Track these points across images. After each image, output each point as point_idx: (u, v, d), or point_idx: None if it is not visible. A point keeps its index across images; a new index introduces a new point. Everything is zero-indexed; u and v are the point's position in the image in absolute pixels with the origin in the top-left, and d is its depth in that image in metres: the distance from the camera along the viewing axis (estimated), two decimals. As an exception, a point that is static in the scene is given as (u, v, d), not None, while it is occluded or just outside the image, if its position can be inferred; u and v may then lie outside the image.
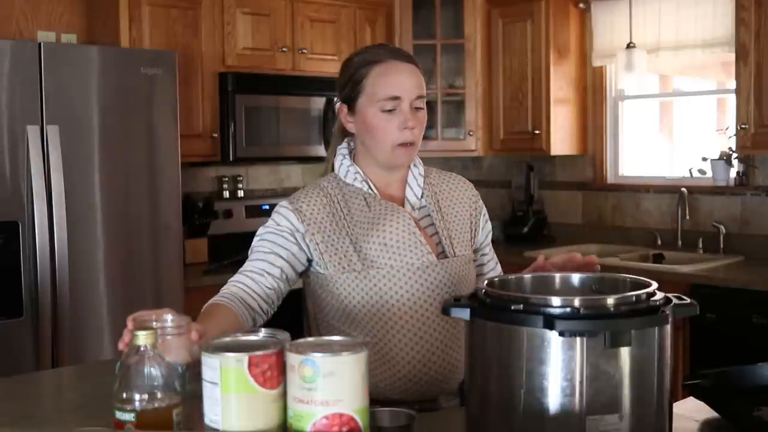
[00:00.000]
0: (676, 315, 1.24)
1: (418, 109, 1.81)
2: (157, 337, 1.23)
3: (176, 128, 3.56)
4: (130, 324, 1.33)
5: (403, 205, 1.85)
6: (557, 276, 1.45)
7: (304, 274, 1.86)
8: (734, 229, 4.12)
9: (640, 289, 1.25)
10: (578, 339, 1.17)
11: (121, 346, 1.32)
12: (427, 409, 1.69)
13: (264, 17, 4.15)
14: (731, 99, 3.97)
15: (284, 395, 1.17)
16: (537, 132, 4.50)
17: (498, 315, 1.23)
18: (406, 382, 1.76)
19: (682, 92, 4.79)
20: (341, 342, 1.22)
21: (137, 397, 1.20)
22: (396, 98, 1.79)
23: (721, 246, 4.10)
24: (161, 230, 3.52)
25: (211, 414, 1.17)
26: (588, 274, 1.44)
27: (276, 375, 1.16)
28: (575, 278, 1.44)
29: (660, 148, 4.77)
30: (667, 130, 4.82)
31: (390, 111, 1.79)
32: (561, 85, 4.53)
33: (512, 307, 1.21)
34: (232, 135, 4.00)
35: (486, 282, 1.34)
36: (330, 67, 4.29)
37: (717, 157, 4.14)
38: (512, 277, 1.45)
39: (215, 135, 4.00)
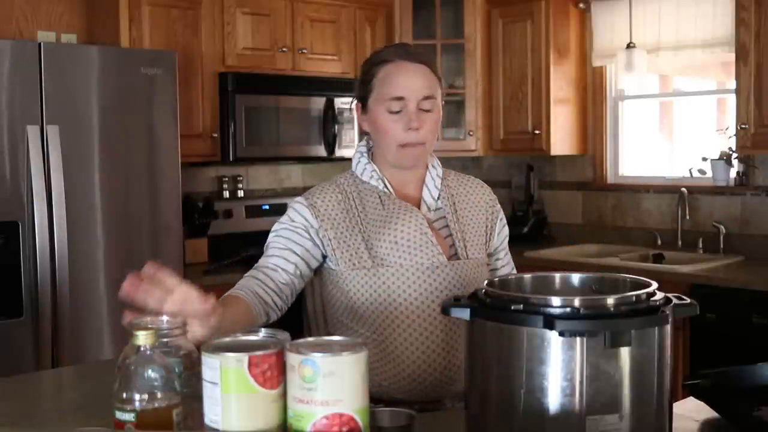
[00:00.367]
0: (676, 315, 1.24)
1: (426, 110, 1.81)
2: (157, 337, 1.23)
3: (176, 128, 3.56)
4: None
5: (419, 205, 1.86)
6: (557, 276, 1.45)
7: (316, 274, 1.87)
8: (734, 229, 4.12)
9: (640, 289, 1.25)
10: (578, 339, 1.17)
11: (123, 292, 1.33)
12: (430, 410, 1.69)
13: (264, 17, 4.15)
14: (731, 99, 3.97)
15: (284, 395, 1.17)
16: (537, 132, 4.50)
17: (498, 315, 1.23)
18: (410, 381, 1.76)
19: (682, 92, 4.79)
20: (341, 342, 1.22)
21: (137, 397, 1.19)
22: (400, 99, 1.79)
23: (721, 246, 4.10)
24: (161, 230, 3.52)
25: (211, 414, 1.17)
26: (588, 274, 1.44)
27: (276, 375, 1.16)
28: (575, 278, 1.44)
29: (660, 148, 4.77)
30: (667, 130, 4.82)
31: (397, 112, 1.79)
32: (561, 85, 4.53)
33: (512, 307, 1.21)
34: (232, 135, 4.00)
35: (486, 282, 1.34)
36: (330, 67, 4.29)
37: (717, 157, 4.14)
38: (512, 277, 1.45)
39: (215, 135, 4.00)
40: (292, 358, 1.14)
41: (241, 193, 4.45)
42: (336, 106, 4.25)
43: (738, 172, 4.10)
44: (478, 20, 4.64)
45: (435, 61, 1.87)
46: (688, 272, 3.69)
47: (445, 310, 1.30)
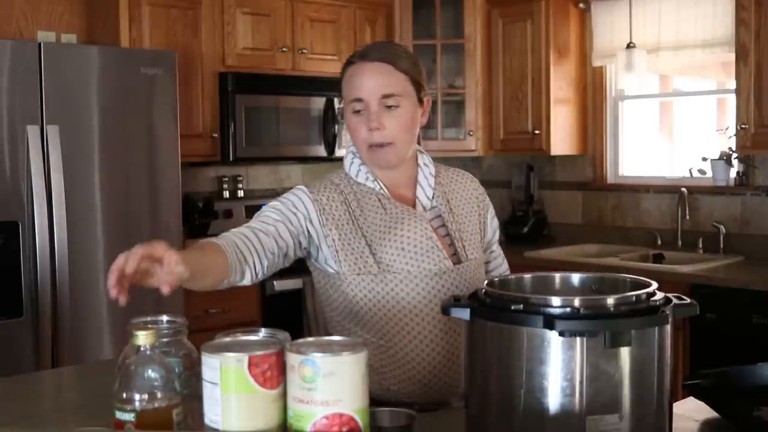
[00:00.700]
0: (676, 315, 1.24)
1: (390, 107, 1.78)
2: (157, 337, 1.24)
3: (176, 128, 3.56)
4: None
5: (414, 205, 1.85)
6: (557, 276, 1.45)
7: (312, 274, 1.86)
8: (734, 229, 4.12)
9: (640, 289, 1.25)
10: (578, 339, 1.17)
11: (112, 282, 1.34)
12: (432, 410, 1.69)
13: (264, 17, 4.15)
14: (731, 99, 3.97)
15: (284, 395, 1.17)
16: (537, 132, 4.50)
17: (498, 315, 1.23)
18: (419, 385, 1.76)
19: (682, 92, 4.79)
20: (341, 342, 1.22)
21: (137, 397, 1.20)
22: (360, 100, 1.78)
23: (721, 246, 4.10)
24: (161, 230, 3.51)
25: (211, 414, 1.17)
26: (588, 274, 1.44)
27: (276, 375, 1.16)
28: (575, 278, 1.44)
29: (660, 148, 4.77)
30: (667, 130, 4.82)
31: (358, 112, 1.78)
32: (561, 85, 4.53)
33: (512, 307, 1.21)
34: (232, 135, 4.00)
35: (486, 282, 1.34)
36: (330, 67, 4.29)
37: (717, 157, 4.14)
38: (512, 277, 1.45)
39: (215, 135, 4.00)
40: (292, 358, 1.14)
41: (241, 193, 4.45)
42: (336, 106, 4.25)
43: (738, 172, 4.10)
44: (478, 20, 4.64)
45: (403, 57, 1.82)
46: (688, 272, 3.69)
47: (445, 311, 1.30)
